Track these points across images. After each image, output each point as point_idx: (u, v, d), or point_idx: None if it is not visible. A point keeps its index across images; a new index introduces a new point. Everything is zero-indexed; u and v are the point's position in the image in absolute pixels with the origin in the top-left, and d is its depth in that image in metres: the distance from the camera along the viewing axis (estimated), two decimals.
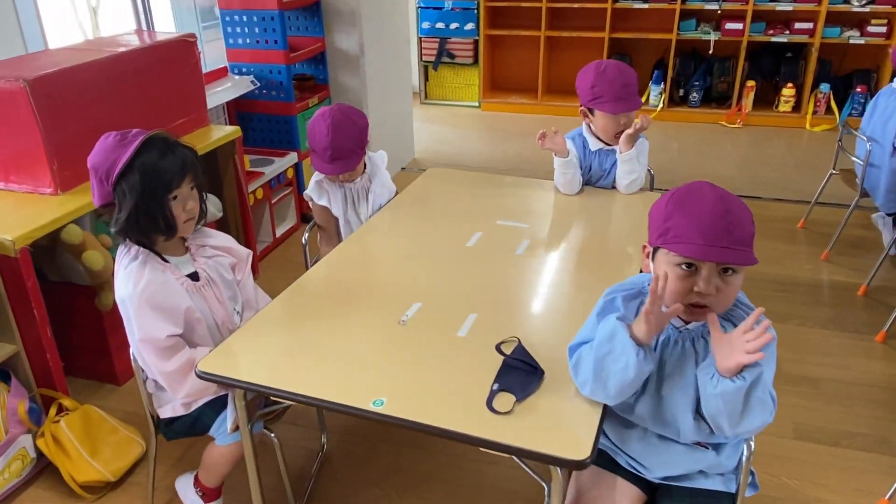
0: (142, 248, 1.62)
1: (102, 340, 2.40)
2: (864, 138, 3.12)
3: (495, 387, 1.40)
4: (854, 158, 3.29)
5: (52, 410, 2.06)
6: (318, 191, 2.25)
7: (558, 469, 1.32)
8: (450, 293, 1.78)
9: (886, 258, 3.16)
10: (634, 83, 2.32)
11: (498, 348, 1.54)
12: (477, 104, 6.14)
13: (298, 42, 3.67)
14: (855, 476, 2.05)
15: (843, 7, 5.07)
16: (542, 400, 1.37)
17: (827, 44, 5.18)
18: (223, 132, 2.86)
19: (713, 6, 5.31)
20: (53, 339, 2.09)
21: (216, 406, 1.70)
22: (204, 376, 1.49)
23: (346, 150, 2.14)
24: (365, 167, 2.31)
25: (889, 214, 3.28)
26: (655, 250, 1.32)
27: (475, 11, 5.78)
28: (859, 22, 5.13)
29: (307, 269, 2.29)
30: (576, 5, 5.54)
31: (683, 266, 1.25)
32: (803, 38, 5.22)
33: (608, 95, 2.27)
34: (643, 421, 1.38)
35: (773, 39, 5.28)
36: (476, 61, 6.00)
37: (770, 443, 2.17)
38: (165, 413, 1.72)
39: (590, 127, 2.40)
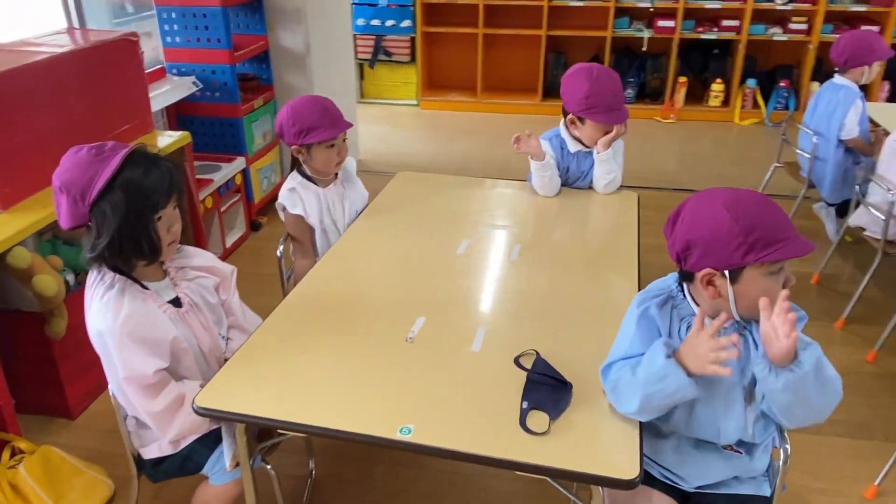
0: (118, 275, 1.45)
1: (53, 371, 2.18)
2: (811, 132, 3.24)
3: (525, 405, 1.34)
4: (799, 151, 3.42)
5: (6, 455, 1.85)
6: (292, 199, 2.11)
7: (600, 488, 1.28)
8: (453, 305, 1.70)
9: (840, 245, 3.32)
10: (622, 90, 2.31)
11: (517, 362, 1.48)
12: (415, 102, 6.05)
13: (239, 40, 3.48)
14: (842, 462, 2.11)
15: (766, 5, 5.28)
16: (575, 416, 1.32)
17: (752, 40, 5.39)
18: (171, 138, 2.66)
19: (646, 4, 5.43)
20: (2, 373, 1.87)
21: (207, 442, 1.56)
22: (204, 412, 1.36)
23: (339, 114, 2.10)
24: (336, 174, 2.20)
25: (831, 205, 3.44)
26: (736, 273, 1.21)
27: (411, 8, 5.68)
28: (781, 19, 5.37)
29: (283, 286, 2.18)
30: (513, 3, 5.54)
31: (775, 272, 1.21)
32: (731, 35, 5.41)
33: (603, 106, 2.24)
34: (678, 428, 1.35)
35: (703, 36, 5.45)
36: (413, 59, 5.91)
37: None
38: (151, 453, 1.56)
39: (568, 129, 2.37)
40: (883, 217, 2.60)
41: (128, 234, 1.38)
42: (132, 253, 1.42)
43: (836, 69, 3.33)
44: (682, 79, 5.60)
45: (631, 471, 1.19)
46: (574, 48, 5.83)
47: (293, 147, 2.11)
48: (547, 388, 1.39)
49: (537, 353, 1.49)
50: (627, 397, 1.27)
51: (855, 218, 2.89)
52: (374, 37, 5.84)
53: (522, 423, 1.29)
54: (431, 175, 2.66)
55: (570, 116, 2.34)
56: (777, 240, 1.17)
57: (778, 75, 5.54)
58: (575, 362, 1.45)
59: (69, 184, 1.36)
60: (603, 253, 2.01)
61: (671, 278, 1.38)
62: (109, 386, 1.51)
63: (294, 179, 2.16)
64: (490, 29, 5.66)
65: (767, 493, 1.37)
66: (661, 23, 5.42)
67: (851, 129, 3.12)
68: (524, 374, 1.43)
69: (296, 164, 2.19)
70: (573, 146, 2.36)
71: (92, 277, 1.47)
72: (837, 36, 5.20)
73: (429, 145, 5.15)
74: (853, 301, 2.78)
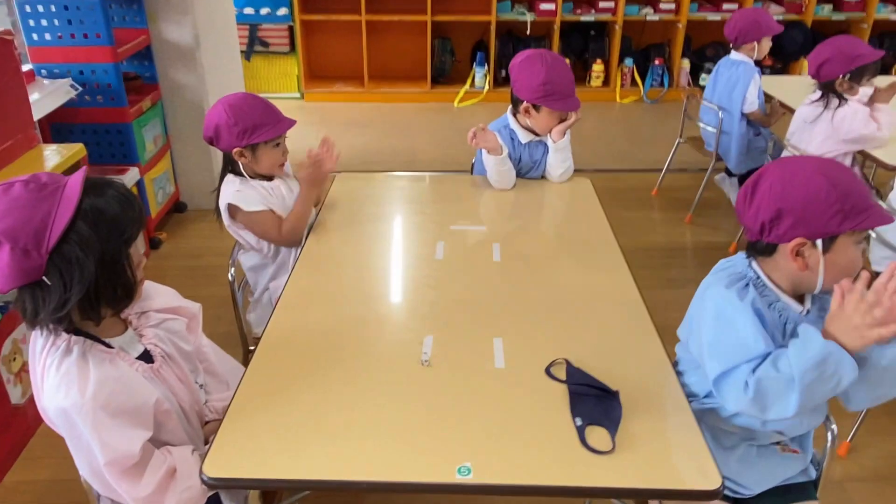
0: (73, 336, 1.18)
1: None
2: (716, 107, 3.38)
3: (578, 422, 1.24)
4: (703, 126, 3.57)
5: None
6: (247, 197, 1.90)
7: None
8: (458, 318, 1.57)
9: None
10: (573, 78, 2.24)
11: (549, 373, 1.37)
12: (299, 95, 5.74)
13: (118, 35, 3.06)
14: None
15: None
16: (632, 427, 1.24)
17: (627, 21, 5.59)
18: (64, 153, 2.28)
19: None
20: None
21: None
22: (215, 483, 1.14)
23: (279, 110, 1.94)
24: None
25: (732, 175, 3.63)
26: (829, 242, 1.17)
27: None
28: (653, 0, 5.61)
29: (238, 310, 1.93)
30: None
31: (860, 241, 1.19)
32: (607, 17, 5.58)
33: (559, 93, 2.16)
34: (745, 429, 1.29)
35: (582, 18, 5.58)
36: (293, 49, 5.58)
37: None
38: None
39: (516, 119, 2.28)
40: None
41: (105, 278, 1.12)
42: (106, 301, 1.15)
43: (731, 46, 3.49)
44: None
45: (713, 480, 1.13)
46: (459, 33, 5.77)
47: (235, 150, 1.88)
48: (593, 400, 1.30)
49: (567, 362, 1.39)
50: (779, 398, 1.14)
51: None
52: (247, 26, 5.45)
53: (584, 443, 1.20)
54: (369, 175, 2.48)
55: (524, 105, 2.23)
56: (868, 207, 1.15)
57: (652, 54, 5.80)
58: (609, 366, 1.38)
59: (13, 232, 1.07)
60: (583, 243, 1.94)
61: (739, 262, 1.32)
62: (81, 473, 1.23)
63: (234, 181, 1.92)
64: (373, 15, 5.46)
65: (813, 476, 1.37)
66: (543, 6, 5.48)
67: (753, 102, 3.29)
68: (560, 386, 1.33)
69: (229, 169, 1.96)
70: (524, 136, 2.27)
71: (38, 345, 1.18)
72: (704, 14, 5.59)
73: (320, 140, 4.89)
74: None
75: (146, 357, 1.28)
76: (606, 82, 5.81)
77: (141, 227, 1.18)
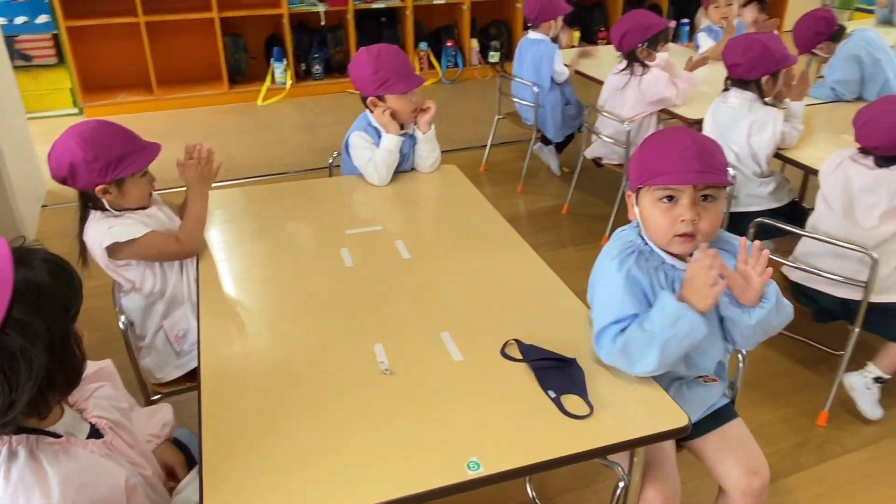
0: (14, 437, 1.00)
1: None
2: (529, 83, 3.63)
3: (552, 394, 1.33)
4: (516, 100, 3.82)
5: None
6: (125, 229, 1.72)
7: (641, 449, 1.35)
8: (399, 321, 1.57)
9: (562, 177, 3.84)
10: (407, 57, 2.30)
11: (505, 355, 1.44)
12: (76, 111, 5.12)
13: None
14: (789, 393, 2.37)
15: None
16: (596, 388, 1.35)
17: (417, 6, 5.74)
18: None
19: None
20: None
21: None
22: None
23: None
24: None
25: (547, 144, 3.95)
26: (638, 196, 1.44)
27: (46, 0, 4.72)
28: None
29: (133, 355, 1.75)
30: None
31: (665, 199, 1.38)
32: (397, 3, 5.69)
33: (395, 76, 2.20)
34: (674, 368, 1.47)
35: (374, 6, 5.63)
36: (62, 60, 4.95)
37: None
38: None
39: (374, 115, 2.28)
40: (622, 147, 3.09)
41: (55, 365, 0.96)
42: (59, 391, 1.00)
43: (529, 25, 3.77)
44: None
45: (681, 418, 1.28)
46: (250, 29, 5.53)
47: (98, 187, 1.68)
48: (556, 371, 1.39)
49: (518, 341, 1.47)
50: (642, 354, 1.32)
51: (591, 150, 3.38)
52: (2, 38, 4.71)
53: (565, 411, 1.29)
54: (226, 190, 2.33)
55: (370, 100, 2.25)
56: (663, 172, 1.37)
57: (443, 36, 6.03)
58: (553, 336, 1.47)
59: None
60: (477, 226, 2.01)
61: (631, 231, 1.48)
62: None
63: (103, 218, 1.72)
64: (152, 16, 5.02)
65: (728, 400, 1.59)
66: None
67: (562, 72, 3.60)
68: (521, 364, 1.41)
69: (90, 206, 1.75)
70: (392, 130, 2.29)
71: None
72: None
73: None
74: (612, 218, 3.28)
75: (94, 433, 1.13)
76: None
77: (82, 296, 1.03)
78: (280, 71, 5.50)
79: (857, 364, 2.19)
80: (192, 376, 1.83)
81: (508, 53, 6.08)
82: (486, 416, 1.28)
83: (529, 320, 1.55)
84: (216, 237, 1.92)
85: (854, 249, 1.97)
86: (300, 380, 1.38)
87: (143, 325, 1.82)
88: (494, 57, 6.08)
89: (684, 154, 1.35)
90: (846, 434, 2.18)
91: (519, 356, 1.43)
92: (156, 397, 1.79)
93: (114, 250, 1.70)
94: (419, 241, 1.92)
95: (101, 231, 1.69)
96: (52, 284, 0.97)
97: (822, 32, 3.10)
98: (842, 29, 3.12)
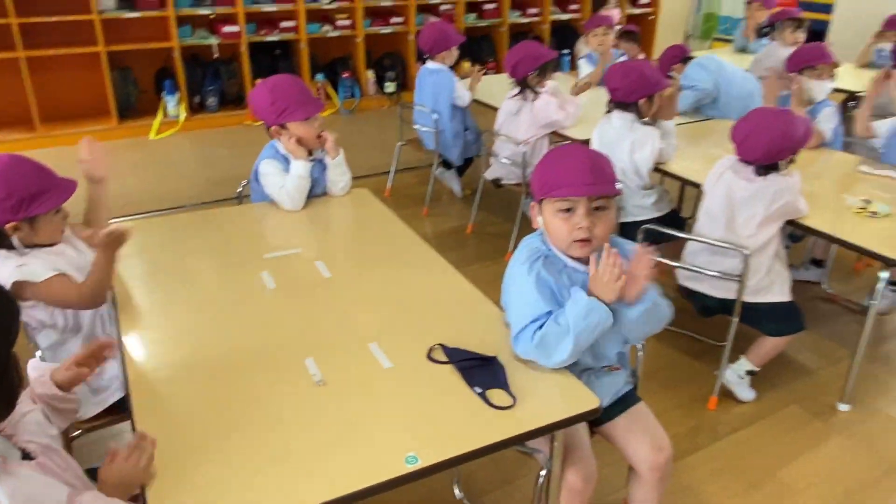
0: None
1: None
2: (428, 109, 3.80)
3: (478, 390, 1.44)
4: (417, 127, 3.97)
5: None
6: (32, 269, 1.65)
7: (561, 432, 1.48)
8: (326, 336, 1.64)
9: (465, 198, 4.02)
10: (304, 85, 2.38)
11: (431, 359, 1.54)
12: None
13: None
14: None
15: (315, 5, 5.76)
16: (516, 380, 1.47)
17: (311, 38, 5.83)
18: None
19: (206, 11, 5.35)
20: None
21: None
22: None
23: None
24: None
25: (448, 168, 4.11)
26: (541, 206, 1.59)
27: None
28: (330, 17, 5.93)
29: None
30: (54, 19, 4.81)
31: (563, 210, 1.54)
32: (291, 36, 5.75)
33: (294, 105, 2.27)
34: (582, 359, 1.61)
35: (267, 38, 5.66)
36: None
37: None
38: None
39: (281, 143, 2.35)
40: (519, 167, 3.29)
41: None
42: None
43: (426, 56, 3.95)
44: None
45: (593, 401, 1.43)
46: (139, 62, 5.42)
47: (9, 225, 1.64)
48: (479, 370, 1.50)
49: (442, 346, 1.57)
50: (557, 346, 1.47)
51: (491, 172, 3.57)
52: None
53: (491, 404, 1.40)
54: (144, 220, 2.32)
55: (272, 129, 2.32)
56: (560, 185, 1.53)
57: (339, 67, 6.14)
58: (474, 339, 1.59)
59: None
60: (393, 244, 2.11)
61: (536, 238, 1.63)
62: None
63: (11, 256, 1.67)
64: (33, 51, 4.82)
65: (631, 386, 1.76)
66: (227, 28, 5.43)
67: (464, 97, 3.78)
68: (447, 367, 1.51)
69: None
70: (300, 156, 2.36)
71: None
72: (377, 28, 6.09)
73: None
74: (514, 234, 3.46)
75: (26, 457, 1.13)
76: None
77: (20, 321, 1.04)
78: (173, 104, 5.41)
79: (738, 351, 2.45)
80: (113, 410, 1.80)
81: (404, 83, 6.27)
82: (420, 415, 1.38)
83: (451, 326, 1.66)
84: (130, 270, 1.91)
85: (733, 248, 2.22)
86: (234, 398, 1.42)
87: (56, 362, 1.77)
88: (390, 87, 6.24)
89: (578, 169, 1.52)
90: (732, 416, 2.43)
91: (445, 359, 1.54)
92: (77, 433, 1.75)
93: (19, 290, 1.64)
94: (339, 261, 2.00)
95: (9, 269, 1.64)
96: None
97: (678, 56, 3.64)
98: (690, 57, 3.66)
